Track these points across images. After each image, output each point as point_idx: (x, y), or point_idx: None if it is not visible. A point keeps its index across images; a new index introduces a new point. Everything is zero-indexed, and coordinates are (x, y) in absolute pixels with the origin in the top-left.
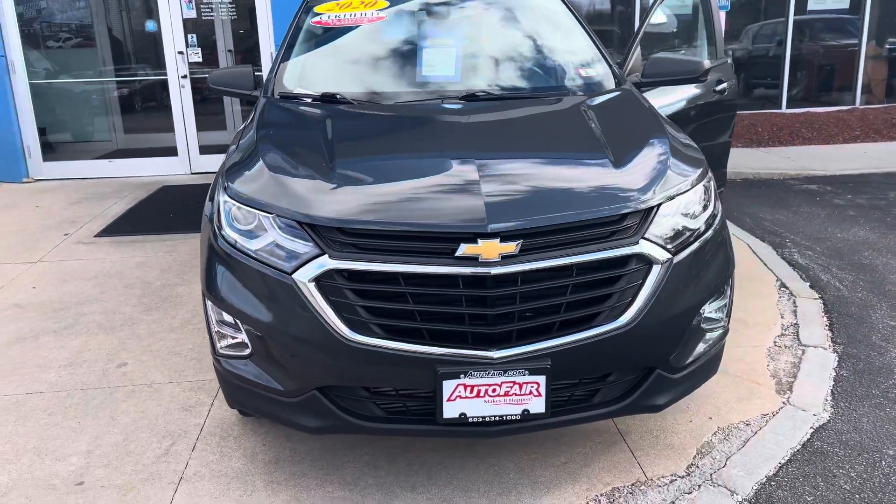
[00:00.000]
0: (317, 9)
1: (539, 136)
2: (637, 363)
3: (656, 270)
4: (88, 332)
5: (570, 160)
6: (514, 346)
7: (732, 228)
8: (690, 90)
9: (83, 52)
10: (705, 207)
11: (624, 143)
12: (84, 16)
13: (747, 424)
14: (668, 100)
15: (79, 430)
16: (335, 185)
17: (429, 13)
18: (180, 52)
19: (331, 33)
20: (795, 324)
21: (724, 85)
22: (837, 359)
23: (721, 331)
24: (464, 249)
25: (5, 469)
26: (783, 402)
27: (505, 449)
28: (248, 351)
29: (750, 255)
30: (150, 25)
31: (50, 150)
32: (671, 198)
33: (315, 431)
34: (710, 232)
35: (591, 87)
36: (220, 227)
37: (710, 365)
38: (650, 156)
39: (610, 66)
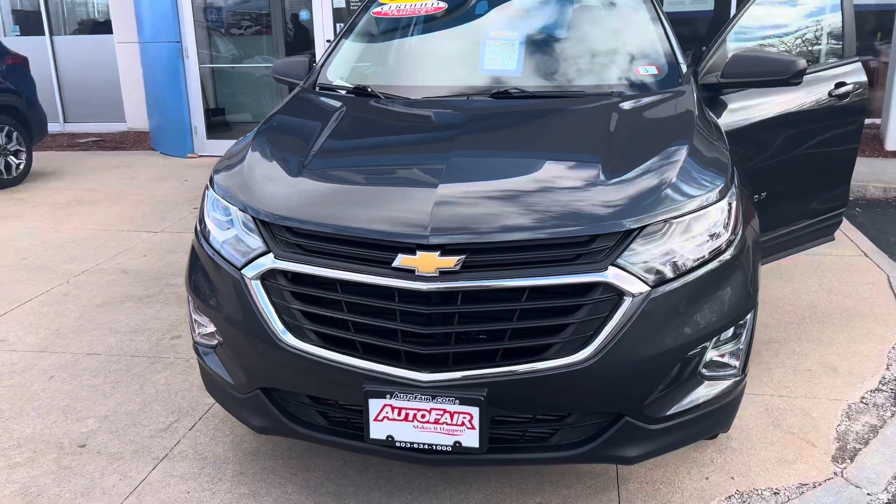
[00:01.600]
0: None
1: (538, 142)
2: (599, 406)
3: (627, 303)
4: (166, 302)
5: (555, 170)
6: (447, 370)
7: (866, 250)
8: (795, 94)
9: (258, 38)
10: (715, 234)
11: (631, 154)
12: (262, 6)
13: (775, 493)
14: (761, 106)
15: (109, 394)
16: (298, 184)
17: (489, 4)
18: (328, 41)
19: (385, 25)
20: None
21: (847, 88)
22: None
23: (731, 381)
24: (400, 260)
25: (32, 422)
26: (834, 473)
27: (481, 477)
28: (215, 342)
29: (882, 287)
30: (303, 15)
31: (216, 129)
32: (665, 221)
33: (259, 430)
34: (715, 262)
35: (643, 88)
36: (200, 217)
37: (711, 420)
38: (652, 172)
39: (676, 64)
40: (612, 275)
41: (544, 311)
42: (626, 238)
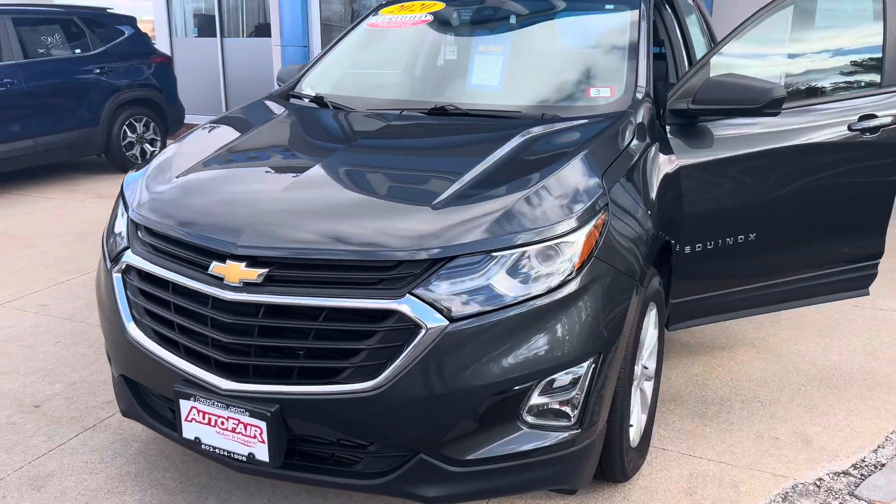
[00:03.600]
0: (383, 11)
1: (407, 163)
2: (391, 439)
3: (421, 335)
4: None
5: (397, 192)
6: (244, 381)
7: None
8: (793, 124)
9: None
10: (546, 273)
11: (487, 182)
12: None
13: None
14: (758, 136)
15: (89, 364)
16: (169, 187)
17: (472, 22)
18: None
19: (367, 37)
20: (879, 464)
21: (879, 121)
22: None
23: (566, 433)
24: (213, 267)
25: (14, 379)
26: None
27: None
28: None
29: None
30: None
31: None
32: (483, 253)
33: (123, 414)
34: (541, 301)
35: (583, 110)
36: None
37: (543, 473)
38: (493, 200)
39: (633, 87)
40: (407, 304)
41: (340, 334)
42: (432, 267)
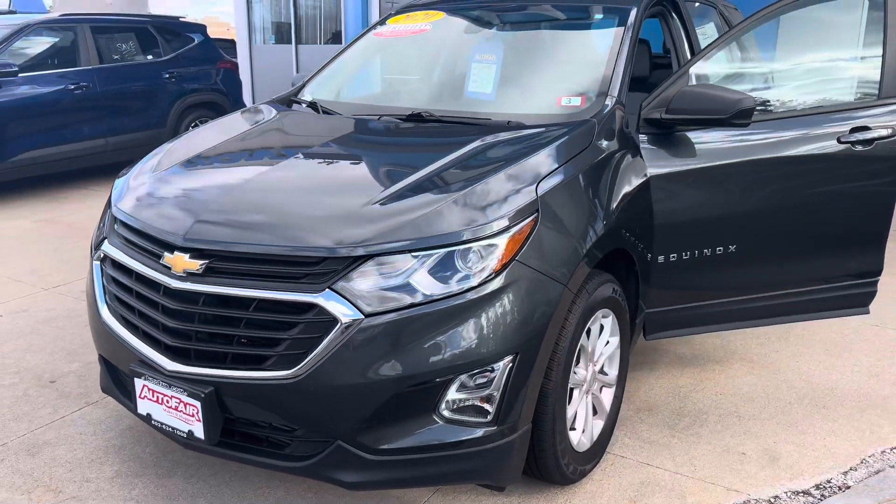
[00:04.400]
0: (389, 21)
1: (356, 167)
2: (313, 425)
3: (336, 328)
4: None
5: (336, 192)
6: (185, 364)
7: None
8: (777, 135)
9: None
10: (465, 274)
11: (423, 186)
12: None
13: None
14: (740, 146)
15: None
16: (147, 182)
17: (465, 32)
18: None
19: (374, 45)
20: (845, 486)
21: (874, 133)
22: None
23: (483, 430)
24: (164, 258)
25: (42, 356)
26: None
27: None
28: None
29: None
30: None
31: None
32: (402, 252)
33: (102, 390)
34: (462, 299)
35: (549, 118)
36: None
37: (462, 467)
38: (420, 202)
39: (604, 96)
40: (325, 298)
41: (267, 323)
42: (352, 264)
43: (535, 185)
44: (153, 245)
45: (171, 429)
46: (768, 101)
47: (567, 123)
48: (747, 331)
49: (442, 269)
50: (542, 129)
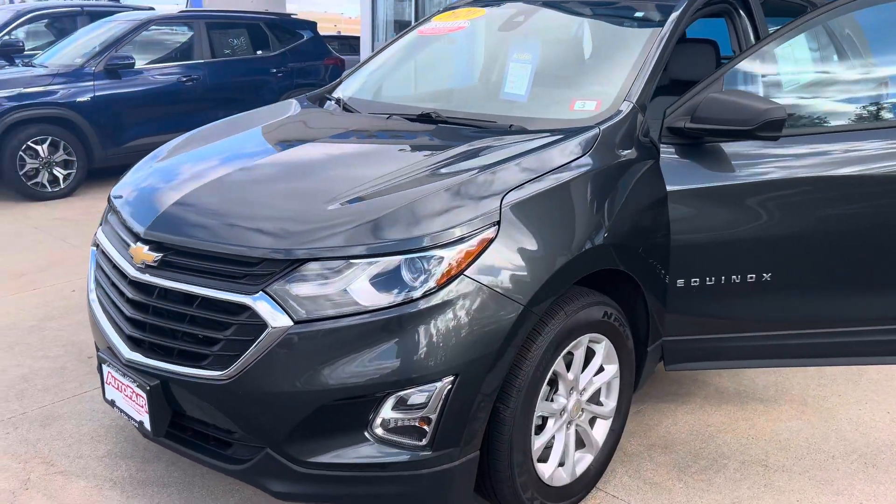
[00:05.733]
0: (435, 18)
1: (337, 167)
2: (245, 430)
3: (266, 333)
4: None
5: (300, 194)
6: (138, 354)
7: None
8: (826, 151)
9: None
10: (408, 285)
11: (388, 190)
12: None
13: None
14: (790, 163)
15: None
16: (145, 171)
17: (501, 28)
18: None
19: (411, 42)
20: None
21: None
22: None
23: (415, 454)
24: (130, 247)
25: (87, 333)
26: None
27: None
28: None
29: None
30: None
31: None
32: (342, 258)
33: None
34: (400, 311)
35: (556, 123)
36: None
37: (384, 490)
38: (373, 208)
39: (618, 105)
40: (258, 301)
41: (208, 322)
42: (289, 267)
43: (500, 196)
44: (126, 234)
45: (127, 416)
46: (823, 112)
47: (569, 130)
48: (810, 370)
49: (382, 279)
50: (540, 135)
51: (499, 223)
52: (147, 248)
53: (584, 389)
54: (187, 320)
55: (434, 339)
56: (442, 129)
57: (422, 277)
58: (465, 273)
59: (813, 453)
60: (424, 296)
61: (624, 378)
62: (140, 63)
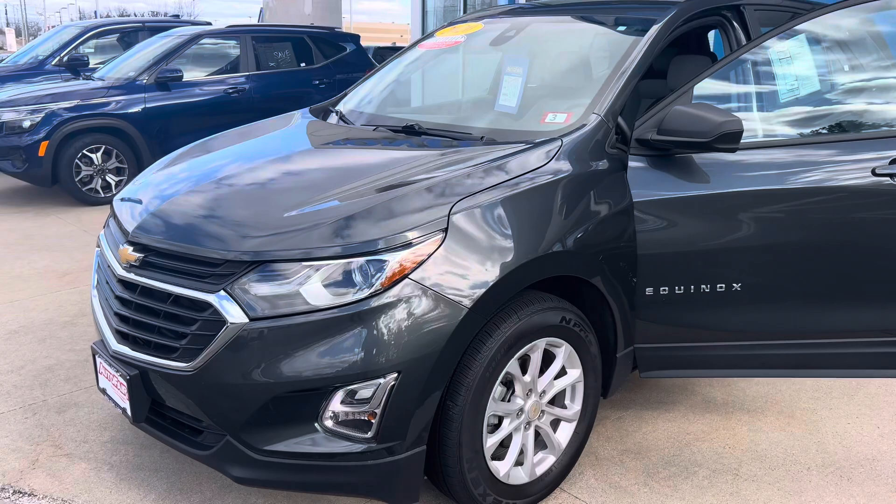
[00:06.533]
0: (438, 33)
1: (313, 174)
2: (207, 417)
3: (225, 328)
4: None
5: (268, 200)
6: (122, 346)
7: None
8: (798, 163)
9: None
10: (357, 286)
11: (347, 195)
12: None
13: None
14: (764, 173)
15: None
16: (147, 177)
17: (493, 42)
18: None
19: (412, 56)
20: None
21: None
22: None
23: (361, 445)
24: (119, 248)
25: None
26: None
27: None
28: None
29: None
30: None
31: None
32: (295, 261)
33: None
34: (347, 311)
35: (524, 135)
36: None
37: (334, 479)
38: (329, 213)
39: (586, 117)
40: (219, 298)
41: (178, 317)
42: (247, 268)
43: (451, 204)
44: (119, 236)
45: (115, 403)
46: (788, 124)
47: (530, 142)
48: (804, 382)
49: (333, 280)
50: (506, 147)
51: (446, 230)
52: (132, 248)
53: (543, 392)
54: (162, 315)
55: (379, 337)
56: (421, 140)
57: (369, 280)
58: (410, 276)
59: (788, 464)
60: (371, 296)
61: (588, 382)
62: (190, 75)
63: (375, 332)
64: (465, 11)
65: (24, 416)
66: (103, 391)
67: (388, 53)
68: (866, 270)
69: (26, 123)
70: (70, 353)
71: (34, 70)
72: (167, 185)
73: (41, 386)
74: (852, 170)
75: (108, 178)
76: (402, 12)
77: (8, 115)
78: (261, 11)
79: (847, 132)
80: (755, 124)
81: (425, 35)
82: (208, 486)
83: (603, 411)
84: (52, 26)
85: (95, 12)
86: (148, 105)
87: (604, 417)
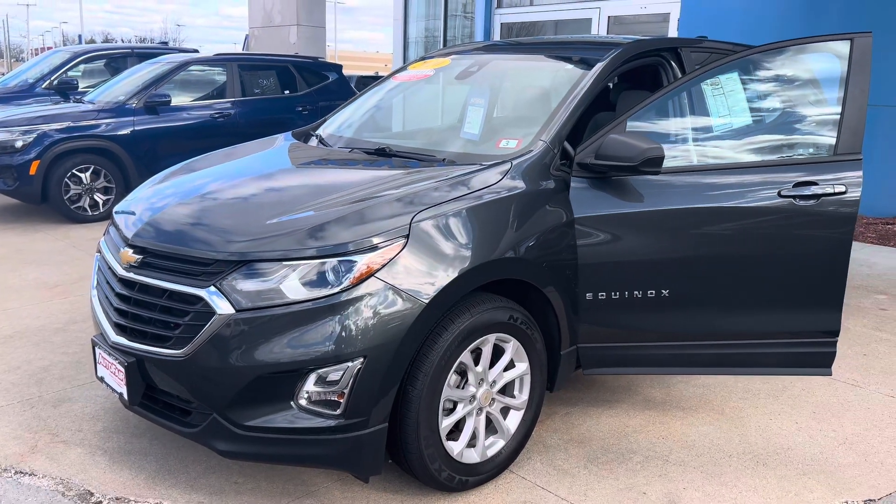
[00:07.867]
0: (410, 66)
1: (293, 189)
2: (198, 399)
3: (214, 319)
4: None
5: (252, 209)
6: (122, 337)
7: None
8: (717, 186)
9: None
10: (329, 283)
11: (324, 205)
12: None
13: None
14: (687, 193)
15: None
16: (144, 189)
17: (458, 77)
18: None
19: (387, 87)
20: None
21: (817, 189)
22: None
23: (331, 422)
24: (120, 251)
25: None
26: None
27: None
28: None
29: None
30: None
31: None
32: (275, 261)
33: None
34: (320, 304)
35: (480, 159)
36: None
37: (308, 452)
38: (305, 220)
39: (534, 143)
40: (208, 292)
41: (173, 310)
42: (235, 267)
43: (412, 214)
44: (120, 241)
45: (112, 389)
46: (709, 152)
47: (486, 164)
48: (736, 384)
49: (308, 279)
50: (463, 167)
51: (408, 236)
52: (132, 251)
53: (494, 382)
54: (158, 309)
55: (348, 327)
56: (390, 161)
57: (340, 278)
58: (376, 275)
59: (712, 452)
60: (342, 292)
61: (535, 375)
62: (177, 100)
63: (345, 322)
64: (444, 44)
65: (22, 409)
66: (101, 379)
67: (369, 82)
68: (773, 280)
69: (18, 143)
70: (63, 355)
71: (24, 93)
72: (163, 197)
73: (37, 384)
74: (762, 192)
75: (95, 196)
76: (386, 42)
77: (1, 136)
78: (246, 38)
79: (760, 159)
80: (682, 152)
81: (399, 68)
82: (193, 468)
83: (552, 407)
84: (41, 49)
85: (80, 36)
86: (136, 128)
87: (553, 412)
